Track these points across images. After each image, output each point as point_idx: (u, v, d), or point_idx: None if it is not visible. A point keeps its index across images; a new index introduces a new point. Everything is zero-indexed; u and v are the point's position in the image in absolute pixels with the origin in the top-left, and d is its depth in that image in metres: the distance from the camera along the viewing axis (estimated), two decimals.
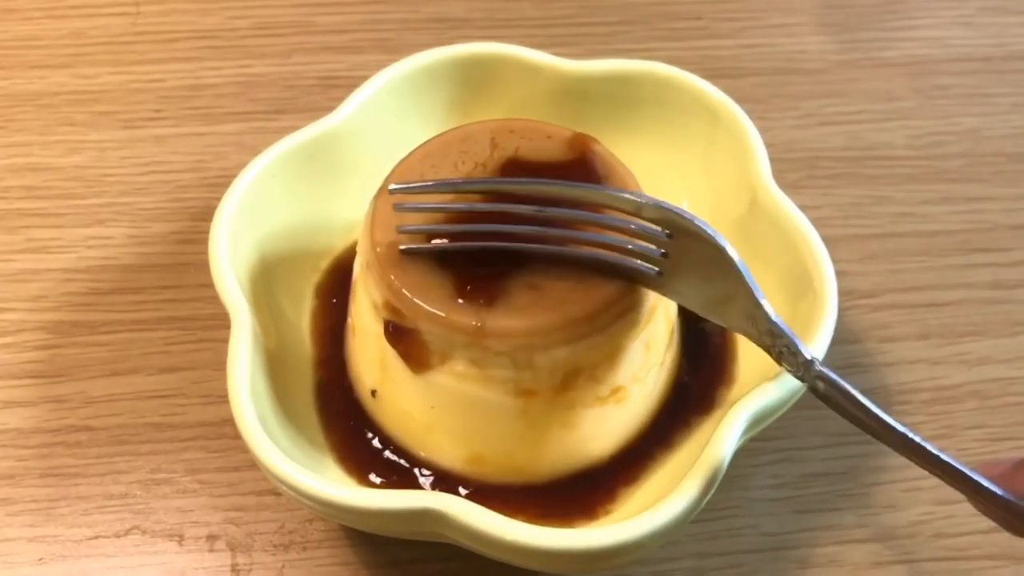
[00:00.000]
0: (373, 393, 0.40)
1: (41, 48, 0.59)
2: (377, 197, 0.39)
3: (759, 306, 0.33)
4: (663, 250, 0.35)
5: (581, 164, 0.39)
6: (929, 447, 0.32)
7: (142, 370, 0.46)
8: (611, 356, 0.37)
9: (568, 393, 0.37)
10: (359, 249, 0.40)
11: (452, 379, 0.37)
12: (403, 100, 0.47)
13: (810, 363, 0.33)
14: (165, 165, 0.54)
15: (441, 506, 0.34)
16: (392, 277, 0.36)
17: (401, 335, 0.36)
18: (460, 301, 0.35)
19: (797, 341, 0.33)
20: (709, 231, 0.33)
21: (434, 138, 0.41)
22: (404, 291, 0.36)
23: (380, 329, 0.37)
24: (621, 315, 0.37)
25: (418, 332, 0.36)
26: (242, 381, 0.36)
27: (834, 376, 0.33)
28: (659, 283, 0.36)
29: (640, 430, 0.40)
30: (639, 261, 0.35)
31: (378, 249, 0.37)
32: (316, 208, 0.46)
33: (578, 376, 0.37)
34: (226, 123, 0.55)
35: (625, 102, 0.47)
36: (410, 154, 0.40)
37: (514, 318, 0.35)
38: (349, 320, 0.42)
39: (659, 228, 0.34)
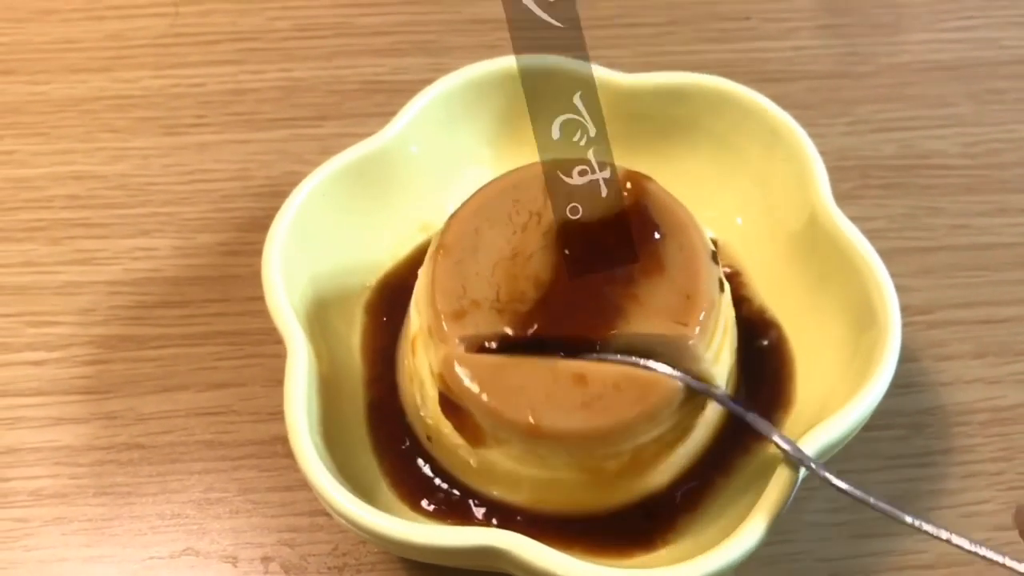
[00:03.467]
0: (428, 438, 0.40)
1: (80, 51, 0.58)
2: (435, 255, 0.38)
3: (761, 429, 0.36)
4: None
5: (636, 207, 0.38)
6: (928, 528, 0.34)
7: (192, 386, 0.46)
8: (680, 435, 0.37)
9: (635, 466, 0.37)
10: (419, 305, 0.39)
11: (509, 459, 0.37)
12: (452, 114, 0.46)
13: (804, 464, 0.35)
14: (209, 174, 0.53)
15: (503, 544, 0.34)
16: (448, 357, 0.36)
17: (456, 410, 0.36)
18: (513, 394, 0.35)
19: (797, 453, 0.35)
20: (703, 388, 0.36)
21: (486, 186, 0.40)
22: (459, 376, 0.36)
23: (436, 394, 0.37)
24: (684, 403, 0.36)
25: (472, 414, 0.36)
26: (301, 417, 0.36)
27: (832, 478, 0.35)
28: None
29: (699, 457, 0.40)
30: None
31: (443, 321, 0.37)
32: (365, 225, 0.45)
33: (644, 452, 0.37)
34: (269, 130, 0.55)
35: (680, 117, 0.46)
36: (462, 207, 0.39)
37: (571, 420, 0.35)
38: (406, 361, 0.41)
39: None
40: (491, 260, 0.37)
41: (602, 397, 0.35)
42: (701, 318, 0.36)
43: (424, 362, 0.38)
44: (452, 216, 0.39)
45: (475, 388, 0.35)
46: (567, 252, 0.37)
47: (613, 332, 0.35)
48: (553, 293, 0.36)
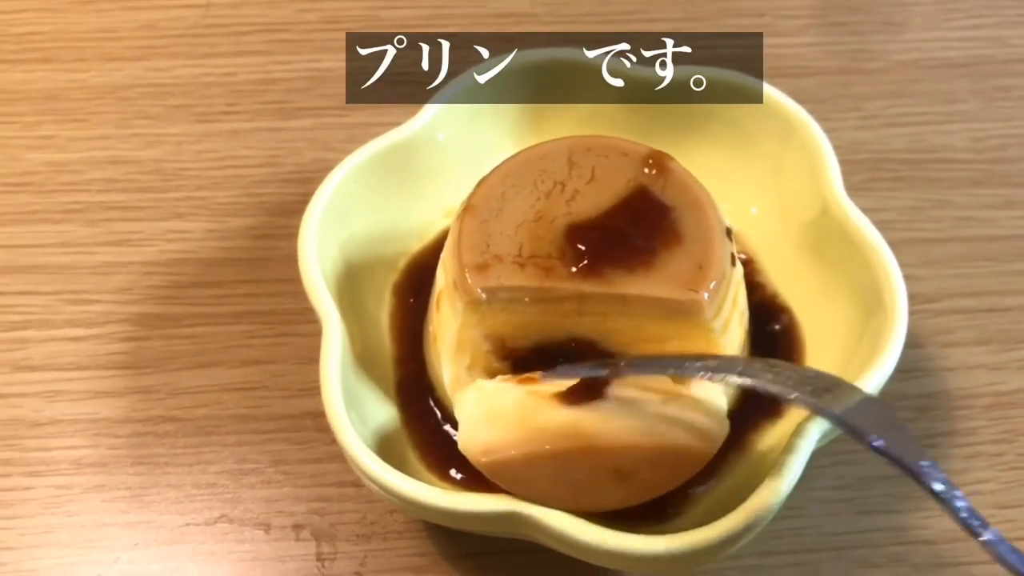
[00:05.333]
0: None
1: (116, 40, 0.60)
2: (462, 215, 0.40)
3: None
4: None
5: (656, 183, 0.40)
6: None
7: (225, 363, 0.48)
8: None
9: None
10: (445, 264, 0.41)
11: None
12: (476, 106, 0.48)
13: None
14: (240, 160, 0.55)
15: (526, 510, 0.36)
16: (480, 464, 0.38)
17: None
18: (552, 484, 0.37)
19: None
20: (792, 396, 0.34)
21: (513, 157, 0.42)
22: (495, 474, 0.38)
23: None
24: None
25: None
26: (336, 391, 0.38)
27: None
28: None
29: None
30: None
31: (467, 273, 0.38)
32: (393, 210, 0.47)
33: None
34: (298, 118, 0.57)
35: (698, 110, 0.47)
36: (491, 173, 0.41)
37: (610, 498, 0.37)
38: (430, 327, 0.43)
39: None
40: (515, 221, 0.39)
41: (638, 472, 0.36)
42: (712, 287, 0.38)
43: (448, 317, 0.40)
44: (480, 181, 0.41)
45: (512, 483, 0.37)
46: (588, 218, 0.39)
47: (627, 292, 0.37)
48: (572, 254, 0.38)
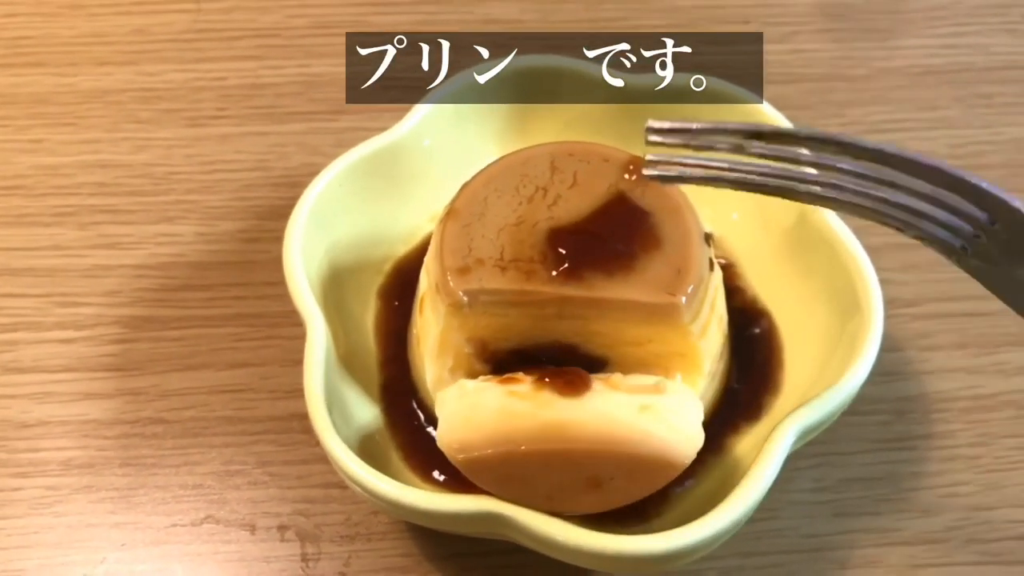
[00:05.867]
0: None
1: (107, 45, 0.61)
2: (445, 220, 0.41)
3: None
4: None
5: (636, 189, 0.41)
6: None
7: (213, 365, 0.48)
8: None
9: None
10: (427, 267, 0.42)
11: None
12: (462, 111, 0.48)
13: None
14: (230, 164, 0.56)
15: (505, 511, 0.36)
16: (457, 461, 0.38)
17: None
18: (527, 485, 0.37)
19: None
20: None
21: (496, 161, 0.42)
22: (470, 472, 0.38)
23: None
24: None
25: None
26: (319, 393, 0.39)
27: None
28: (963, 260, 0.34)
29: None
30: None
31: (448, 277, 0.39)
32: (378, 214, 0.47)
33: None
34: (288, 123, 0.57)
35: (682, 114, 0.48)
36: (474, 178, 0.42)
37: (582, 505, 0.38)
38: (414, 330, 0.44)
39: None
40: (497, 226, 0.39)
41: (612, 480, 0.37)
42: (689, 290, 0.38)
43: (430, 320, 0.41)
44: (463, 186, 0.42)
45: (488, 482, 0.38)
46: (569, 223, 0.39)
47: (606, 296, 0.38)
48: (553, 258, 0.38)
